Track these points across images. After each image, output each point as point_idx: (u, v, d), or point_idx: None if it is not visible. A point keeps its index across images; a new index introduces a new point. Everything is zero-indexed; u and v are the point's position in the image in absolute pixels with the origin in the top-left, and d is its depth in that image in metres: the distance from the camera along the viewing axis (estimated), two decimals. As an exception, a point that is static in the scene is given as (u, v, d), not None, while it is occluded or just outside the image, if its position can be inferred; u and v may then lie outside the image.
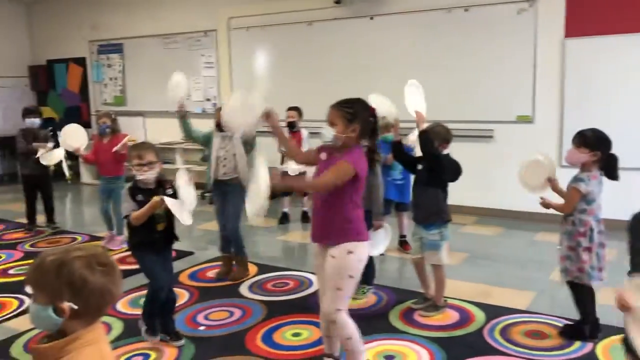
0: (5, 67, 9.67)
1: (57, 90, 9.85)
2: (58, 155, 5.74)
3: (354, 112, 2.66)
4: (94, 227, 6.28)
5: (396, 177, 4.81)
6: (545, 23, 5.88)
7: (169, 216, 3.32)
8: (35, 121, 6.03)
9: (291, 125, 6.15)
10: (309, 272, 4.60)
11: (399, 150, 3.75)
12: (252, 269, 4.72)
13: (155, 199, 3.18)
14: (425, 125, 3.56)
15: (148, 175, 3.28)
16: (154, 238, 3.30)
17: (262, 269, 4.75)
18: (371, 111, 2.76)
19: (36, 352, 1.46)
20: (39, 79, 9.89)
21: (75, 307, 1.41)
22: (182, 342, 3.41)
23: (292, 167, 5.59)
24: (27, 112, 6.10)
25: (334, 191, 2.62)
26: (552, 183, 3.37)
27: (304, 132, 6.19)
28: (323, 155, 2.79)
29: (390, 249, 4.87)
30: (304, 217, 6.40)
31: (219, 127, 4.38)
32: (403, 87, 3.64)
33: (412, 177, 4.87)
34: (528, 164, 3.47)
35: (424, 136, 3.52)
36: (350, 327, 2.76)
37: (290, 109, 6.19)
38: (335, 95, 2.85)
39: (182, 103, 4.40)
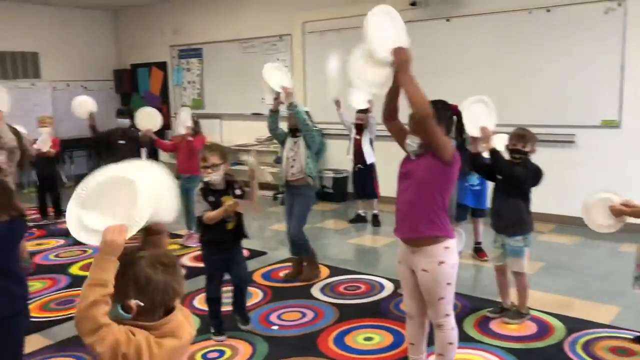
0: (92, 71, 10.23)
1: (139, 92, 10.32)
2: None
3: (437, 115, 2.55)
4: (172, 225, 6.51)
5: (473, 182, 4.70)
6: (636, 22, 5.57)
7: (238, 215, 3.42)
8: (126, 121, 6.35)
9: (360, 128, 6.18)
10: (381, 277, 4.59)
11: (478, 162, 3.65)
12: (324, 271, 4.75)
13: (230, 204, 3.28)
14: (496, 140, 3.48)
15: (212, 177, 3.38)
16: (223, 237, 3.42)
17: (334, 271, 4.77)
18: (452, 109, 2.70)
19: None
20: (123, 82, 10.40)
21: (142, 304, 1.49)
22: (248, 326, 3.60)
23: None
24: (119, 113, 6.47)
25: (426, 182, 2.55)
26: (624, 212, 3.00)
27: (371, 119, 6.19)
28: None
29: (465, 255, 4.78)
30: (375, 221, 6.39)
31: (292, 132, 4.47)
32: (481, 91, 3.56)
33: (489, 183, 4.79)
34: (592, 205, 3.15)
35: (495, 156, 3.44)
36: (456, 332, 2.74)
37: (360, 111, 6.21)
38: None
39: (279, 97, 4.46)
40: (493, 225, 3.67)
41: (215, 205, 3.34)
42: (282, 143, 4.61)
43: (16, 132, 5.18)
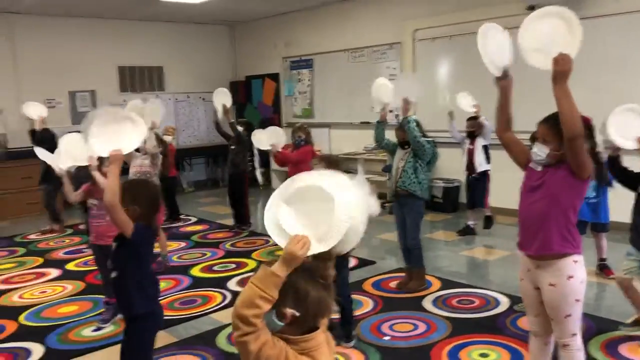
0: (210, 83, 10.75)
1: (253, 103, 10.74)
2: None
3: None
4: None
5: (589, 195, 4.40)
6: None
7: None
8: (240, 129, 6.70)
9: (471, 135, 6.04)
10: (496, 291, 4.43)
11: (617, 166, 3.41)
12: (435, 283, 4.67)
13: None
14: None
15: None
16: None
17: (446, 284, 4.67)
18: (585, 122, 2.54)
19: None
20: (239, 93, 10.87)
21: (297, 314, 1.52)
22: (351, 344, 3.55)
23: None
24: (238, 124, 6.84)
25: (560, 197, 2.42)
26: None
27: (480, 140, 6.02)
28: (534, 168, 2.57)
29: (588, 273, 4.48)
30: (487, 223, 6.21)
31: (402, 144, 4.45)
32: (608, 97, 3.34)
33: (607, 194, 4.47)
34: None
35: None
36: (582, 354, 2.59)
37: (469, 119, 6.07)
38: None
39: (385, 109, 4.50)
40: (633, 241, 3.42)
41: None
42: (392, 153, 4.60)
43: (161, 140, 5.65)
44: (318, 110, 9.55)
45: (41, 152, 4.05)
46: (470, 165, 6.10)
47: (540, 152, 2.46)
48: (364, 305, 4.25)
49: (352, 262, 5.28)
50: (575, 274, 2.46)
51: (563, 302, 2.48)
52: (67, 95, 9.20)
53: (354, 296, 4.33)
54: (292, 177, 1.69)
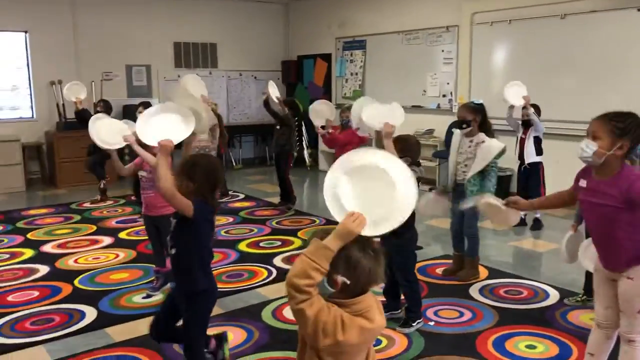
0: (262, 62, 10.86)
1: (304, 83, 10.74)
2: None
3: (625, 127, 2.31)
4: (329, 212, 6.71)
5: None
6: None
7: None
8: (286, 111, 6.70)
9: (526, 124, 5.86)
10: (545, 283, 4.33)
11: None
12: (483, 272, 4.59)
13: None
14: None
15: None
16: None
17: (493, 273, 4.59)
18: None
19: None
20: (290, 72, 10.89)
21: (348, 282, 1.58)
22: (405, 330, 3.52)
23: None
24: (282, 103, 6.81)
25: (621, 218, 2.37)
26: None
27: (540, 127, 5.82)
28: (583, 183, 2.49)
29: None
30: (536, 224, 6.04)
31: (459, 123, 4.29)
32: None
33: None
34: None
35: None
36: None
37: (524, 108, 5.88)
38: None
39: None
40: None
41: None
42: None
43: (218, 115, 5.68)
44: (369, 92, 9.45)
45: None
46: (521, 156, 5.93)
47: (587, 148, 2.36)
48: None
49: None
50: None
51: (638, 297, 2.41)
52: (123, 69, 9.41)
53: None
54: (356, 151, 1.71)
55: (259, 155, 11.04)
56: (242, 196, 7.74)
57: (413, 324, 3.55)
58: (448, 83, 8.14)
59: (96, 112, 7.28)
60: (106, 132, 3.79)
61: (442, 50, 8.15)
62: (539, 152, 5.83)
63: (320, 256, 1.52)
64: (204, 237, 2.66)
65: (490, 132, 4.26)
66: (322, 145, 9.98)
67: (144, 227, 5.83)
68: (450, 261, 4.70)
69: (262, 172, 9.89)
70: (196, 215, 2.53)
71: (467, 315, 3.78)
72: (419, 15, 8.41)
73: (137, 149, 3.72)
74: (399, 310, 3.69)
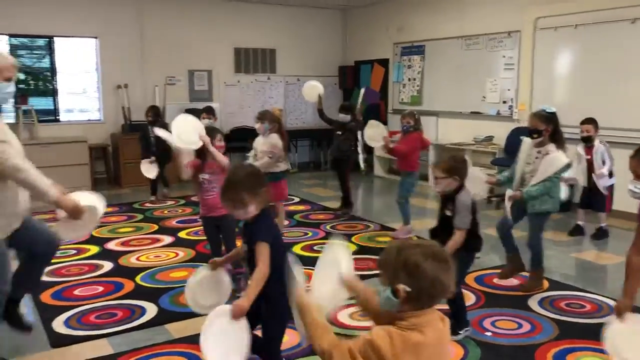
0: (320, 67, 10.94)
1: (361, 88, 10.72)
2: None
3: None
4: (384, 218, 6.70)
5: None
6: None
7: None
8: (347, 117, 6.71)
9: (587, 140, 5.63)
10: (609, 298, 4.16)
11: None
12: (543, 283, 4.46)
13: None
14: None
15: (436, 189, 3.45)
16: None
17: (554, 285, 4.46)
18: None
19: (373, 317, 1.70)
20: (347, 78, 10.93)
21: (409, 289, 1.54)
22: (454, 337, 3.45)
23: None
24: (341, 108, 6.86)
25: None
26: None
27: (600, 147, 5.61)
28: None
29: None
30: (601, 234, 5.82)
31: (530, 132, 4.18)
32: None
33: None
34: None
35: None
36: None
37: (584, 121, 5.67)
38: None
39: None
40: None
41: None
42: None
43: (278, 120, 5.77)
44: (427, 97, 9.38)
45: (161, 132, 4.24)
46: (589, 174, 5.70)
47: (635, 188, 2.43)
48: (466, 298, 4.14)
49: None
50: None
51: None
52: (186, 74, 9.70)
53: (455, 288, 4.27)
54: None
55: (314, 160, 11.12)
56: (297, 200, 7.82)
57: (460, 332, 3.49)
58: (509, 89, 7.97)
59: (148, 120, 7.54)
60: (185, 130, 3.87)
61: (503, 56, 7.98)
62: (611, 175, 5.63)
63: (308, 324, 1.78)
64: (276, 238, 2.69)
65: (561, 144, 4.11)
66: (377, 151, 9.97)
67: (202, 227, 5.97)
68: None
69: (317, 177, 9.96)
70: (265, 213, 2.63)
71: (526, 327, 3.69)
72: (480, 20, 8.28)
73: (211, 149, 3.86)
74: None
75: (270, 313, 2.68)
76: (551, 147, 4.08)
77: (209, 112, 7.13)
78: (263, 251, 2.52)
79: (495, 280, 4.55)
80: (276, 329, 2.74)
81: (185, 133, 3.86)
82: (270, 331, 2.73)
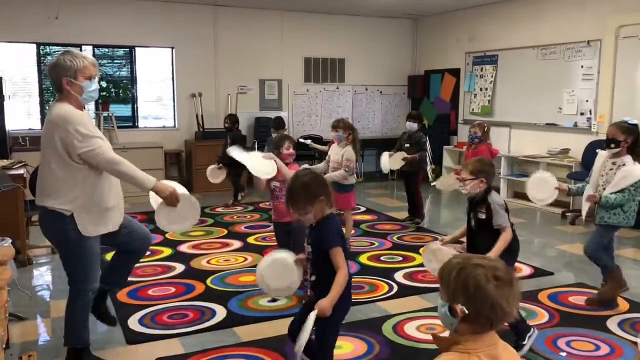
0: (389, 77, 10.91)
1: (430, 98, 10.61)
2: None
3: None
4: (452, 230, 6.55)
5: None
6: None
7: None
8: (414, 125, 6.65)
9: None
10: (697, 323, 3.90)
11: None
12: (623, 305, 4.23)
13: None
14: None
15: (463, 191, 3.44)
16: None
17: (635, 306, 4.22)
18: None
19: (435, 338, 1.62)
20: (416, 87, 10.83)
21: (466, 311, 1.47)
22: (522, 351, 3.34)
23: None
24: (409, 117, 6.80)
25: None
26: None
27: None
28: None
29: None
30: None
31: (607, 142, 4.02)
32: None
33: None
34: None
35: None
36: None
37: None
38: None
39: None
40: None
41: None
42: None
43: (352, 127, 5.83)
44: (499, 108, 9.15)
45: (237, 153, 4.34)
46: None
47: None
48: (539, 316, 4.00)
49: (528, 270, 5.02)
50: None
51: None
52: (257, 83, 9.91)
53: (528, 305, 4.13)
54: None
55: (380, 170, 11.02)
56: (363, 209, 7.80)
57: (524, 342, 3.36)
58: (587, 100, 7.65)
59: (225, 127, 7.78)
60: (258, 163, 4.16)
61: (582, 66, 7.68)
62: None
63: None
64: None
65: (639, 157, 3.94)
66: (446, 161, 9.81)
67: (271, 233, 6.07)
68: (585, 289, 4.41)
69: (383, 187, 9.90)
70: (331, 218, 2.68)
71: (605, 349, 3.51)
72: (557, 29, 8.01)
73: (280, 164, 4.08)
74: None
75: (326, 320, 2.68)
76: (627, 158, 3.93)
77: (277, 127, 7.27)
78: (339, 255, 2.58)
79: (570, 299, 4.35)
80: (332, 336, 2.74)
81: (259, 165, 4.11)
82: (325, 338, 2.72)
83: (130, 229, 3.28)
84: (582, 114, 7.74)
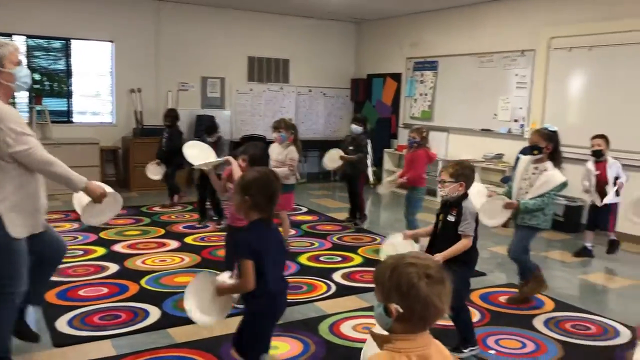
0: (333, 79, 10.99)
1: (372, 101, 10.76)
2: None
3: None
4: (391, 231, 6.65)
5: None
6: None
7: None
8: (359, 128, 6.72)
9: (597, 154, 5.63)
10: (616, 321, 4.12)
11: None
12: (549, 304, 4.43)
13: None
14: None
15: (442, 193, 3.43)
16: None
17: (560, 306, 4.42)
18: None
19: (372, 335, 1.62)
20: (359, 90, 10.95)
21: (401, 310, 1.49)
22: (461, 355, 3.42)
23: None
24: (354, 120, 6.91)
25: None
26: None
27: (615, 162, 5.59)
28: None
29: None
30: (612, 247, 5.82)
31: (531, 148, 4.22)
32: None
33: None
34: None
35: None
36: None
37: (595, 137, 5.68)
38: None
39: None
40: None
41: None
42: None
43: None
44: (438, 113, 9.38)
45: (189, 155, 4.45)
46: (600, 189, 5.66)
47: None
48: (471, 316, 4.12)
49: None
50: None
51: None
52: (199, 80, 9.76)
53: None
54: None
55: (323, 171, 11.10)
56: (304, 210, 7.81)
57: (464, 350, 3.43)
58: (520, 108, 7.95)
59: (165, 125, 7.60)
60: (195, 154, 4.28)
61: (516, 74, 7.98)
62: (617, 193, 5.60)
63: None
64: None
65: (558, 163, 4.18)
66: (386, 164, 9.97)
67: (210, 233, 6.00)
68: (515, 289, 4.59)
69: (325, 188, 9.96)
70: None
71: (530, 346, 3.65)
72: (494, 38, 8.29)
73: (233, 162, 4.03)
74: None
75: (248, 333, 2.68)
76: (548, 164, 4.16)
77: (210, 132, 6.75)
78: (244, 268, 2.46)
79: (501, 299, 4.52)
80: (253, 348, 2.68)
81: (198, 157, 4.22)
82: (249, 347, 2.69)
83: (50, 231, 3.16)
84: (515, 120, 8.04)
